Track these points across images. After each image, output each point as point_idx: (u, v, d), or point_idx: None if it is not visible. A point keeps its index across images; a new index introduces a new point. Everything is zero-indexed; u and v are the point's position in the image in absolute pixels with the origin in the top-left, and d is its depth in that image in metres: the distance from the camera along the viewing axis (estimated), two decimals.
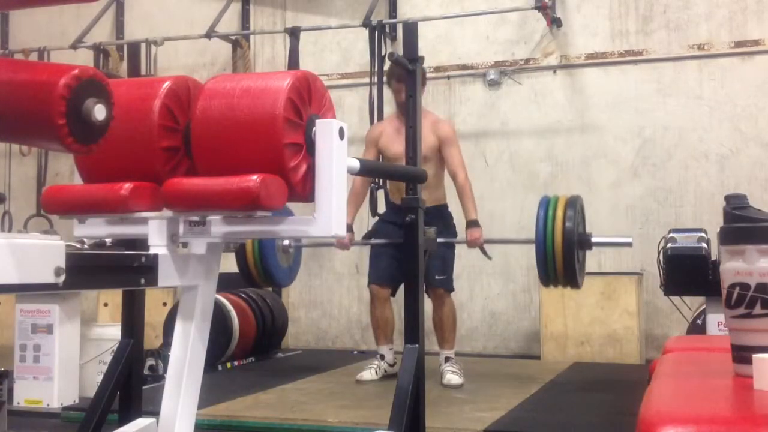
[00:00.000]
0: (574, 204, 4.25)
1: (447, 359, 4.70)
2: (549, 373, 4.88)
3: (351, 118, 6.27)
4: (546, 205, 4.26)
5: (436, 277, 4.62)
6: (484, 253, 4.71)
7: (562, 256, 4.12)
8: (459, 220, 4.75)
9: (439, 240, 3.57)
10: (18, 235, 1.72)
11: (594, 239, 4.34)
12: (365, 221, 5.09)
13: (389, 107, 6.26)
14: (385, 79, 5.05)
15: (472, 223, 4.59)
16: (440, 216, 4.64)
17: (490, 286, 6.15)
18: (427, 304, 4.04)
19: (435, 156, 4.62)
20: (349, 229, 4.72)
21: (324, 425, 3.65)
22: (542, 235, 4.16)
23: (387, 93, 6.17)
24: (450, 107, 6.37)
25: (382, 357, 4.85)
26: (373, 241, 4.86)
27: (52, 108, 1.50)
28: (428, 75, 6.19)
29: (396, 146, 4.59)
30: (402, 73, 4.42)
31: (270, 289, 5.96)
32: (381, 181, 5.42)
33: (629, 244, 4.56)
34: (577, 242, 4.18)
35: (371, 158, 4.76)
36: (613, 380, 4.73)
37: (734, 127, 5.72)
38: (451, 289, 4.73)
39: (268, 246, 4.76)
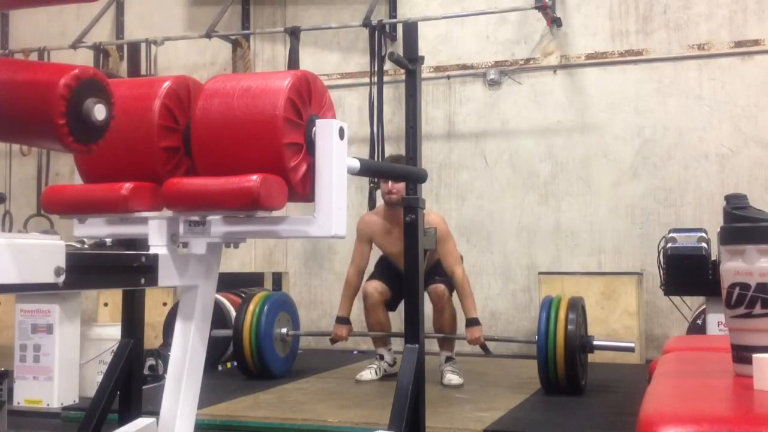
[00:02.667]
0: (576, 306, 4.27)
1: (448, 359, 4.70)
2: None
3: (351, 118, 6.28)
4: (548, 306, 4.28)
5: (436, 277, 4.63)
6: (485, 349, 4.67)
7: (563, 359, 4.15)
8: (459, 315, 4.72)
9: None
10: (18, 235, 1.72)
11: (596, 342, 4.37)
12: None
13: (389, 107, 6.27)
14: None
15: (472, 322, 4.55)
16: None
17: (490, 286, 6.15)
18: (427, 306, 4.04)
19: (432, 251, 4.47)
20: (346, 321, 4.76)
21: (324, 425, 3.65)
22: (544, 338, 4.18)
23: (387, 93, 6.19)
24: (450, 107, 6.37)
25: (381, 357, 4.85)
26: (371, 333, 4.86)
27: (52, 108, 1.49)
28: (428, 75, 6.22)
29: (392, 246, 4.64)
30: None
31: (270, 288, 5.97)
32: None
33: (632, 349, 4.58)
34: (579, 346, 4.21)
35: (366, 250, 4.76)
36: (613, 380, 4.73)
37: (734, 127, 5.72)
38: (451, 288, 4.72)
39: (265, 336, 4.76)
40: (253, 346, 4.75)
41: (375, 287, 4.74)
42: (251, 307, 4.84)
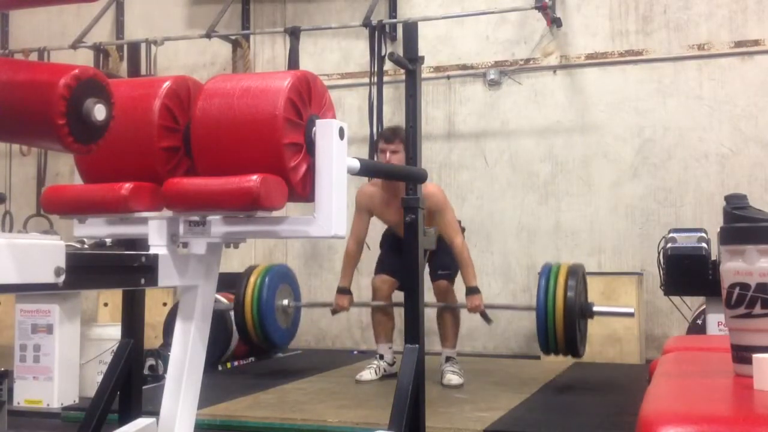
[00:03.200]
0: (576, 273, 4.26)
1: (448, 359, 4.71)
2: (549, 373, 4.88)
3: (351, 118, 6.27)
4: (547, 273, 4.26)
5: (439, 272, 4.64)
6: (485, 317, 4.68)
7: (563, 325, 4.13)
8: (459, 287, 4.73)
9: None
10: (18, 235, 1.72)
11: (596, 308, 4.36)
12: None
13: (389, 107, 6.27)
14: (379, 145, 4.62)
15: (472, 290, 4.55)
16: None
17: (490, 286, 6.14)
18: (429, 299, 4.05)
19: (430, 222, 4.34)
20: (348, 291, 4.76)
21: (324, 425, 3.65)
22: (543, 304, 4.16)
23: (387, 93, 6.19)
24: (450, 107, 6.37)
25: (381, 356, 4.85)
26: (373, 303, 4.85)
27: (52, 108, 1.49)
28: (428, 75, 6.22)
29: (391, 217, 4.62)
30: (389, 135, 4.45)
31: None
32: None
33: (631, 314, 4.56)
34: (579, 312, 4.19)
35: (365, 220, 4.72)
36: (613, 380, 4.73)
37: (734, 127, 5.72)
38: (453, 282, 4.73)
39: (267, 307, 4.76)
40: (255, 318, 4.77)
41: (383, 281, 4.77)
42: (253, 279, 4.86)
